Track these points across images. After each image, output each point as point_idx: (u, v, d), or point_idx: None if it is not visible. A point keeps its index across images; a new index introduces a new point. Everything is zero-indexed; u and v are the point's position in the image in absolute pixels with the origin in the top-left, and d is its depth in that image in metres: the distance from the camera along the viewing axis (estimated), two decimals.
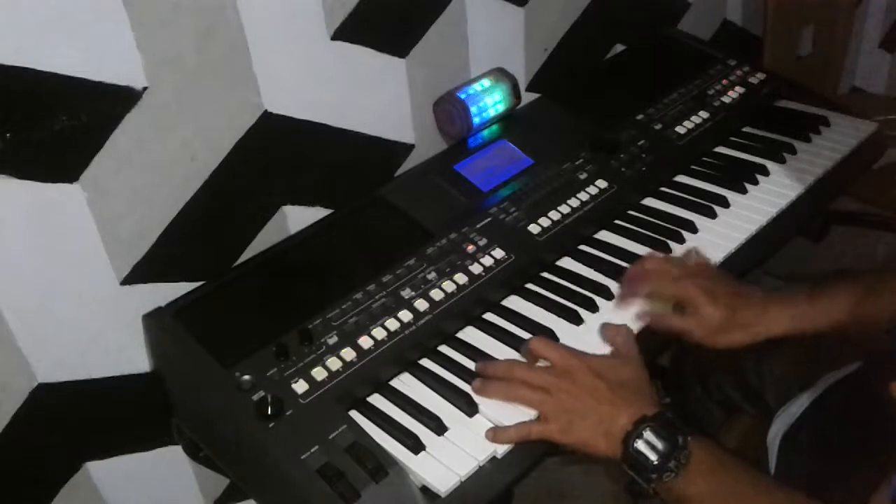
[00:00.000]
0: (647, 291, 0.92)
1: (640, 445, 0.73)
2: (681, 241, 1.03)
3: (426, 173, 1.11)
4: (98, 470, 0.97)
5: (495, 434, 0.79)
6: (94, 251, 0.86)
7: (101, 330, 0.90)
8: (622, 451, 0.74)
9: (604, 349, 0.87)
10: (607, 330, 0.87)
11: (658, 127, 1.21)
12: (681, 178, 1.16)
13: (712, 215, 1.07)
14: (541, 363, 0.83)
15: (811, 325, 0.88)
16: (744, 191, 1.11)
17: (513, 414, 0.80)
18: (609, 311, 0.94)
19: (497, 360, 0.87)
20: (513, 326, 0.92)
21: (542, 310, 0.94)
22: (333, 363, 0.84)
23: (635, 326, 0.91)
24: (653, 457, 0.73)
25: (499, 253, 0.98)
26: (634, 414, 0.75)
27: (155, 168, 0.88)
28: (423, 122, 1.16)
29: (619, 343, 0.85)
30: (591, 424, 0.76)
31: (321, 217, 1.07)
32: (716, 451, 0.75)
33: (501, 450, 0.78)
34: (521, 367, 0.82)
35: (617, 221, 1.08)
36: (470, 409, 0.82)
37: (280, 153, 1.00)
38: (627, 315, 0.92)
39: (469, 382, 0.85)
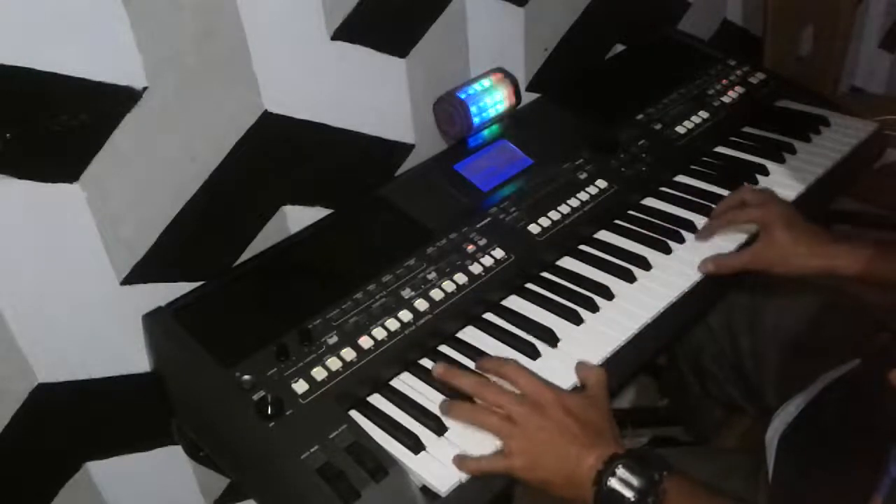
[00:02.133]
0: (744, 219, 0.99)
1: (613, 483, 0.71)
2: (681, 241, 1.03)
3: (426, 173, 1.11)
4: (98, 470, 0.97)
5: (461, 462, 0.76)
6: (94, 251, 0.86)
7: (101, 330, 0.90)
8: (594, 491, 0.72)
9: (598, 354, 0.86)
10: (581, 369, 0.84)
11: (658, 127, 1.21)
12: (681, 178, 1.16)
13: None
14: (509, 386, 0.80)
15: (873, 272, 0.90)
16: None
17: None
18: (680, 253, 1.01)
19: (465, 368, 0.84)
20: (513, 326, 0.92)
21: (542, 310, 0.94)
22: (333, 363, 0.84)
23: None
24: (629, 494, 0.70)
25: (499, 253, 0.98)
26: (603, 454, 0.73)
27: (155, 168, 0.88)
28: (423, 122, 1.16)
29: (591, 383, 0.82)
30: (555, 463, 0.74)
31: (321, 217, 1.07)
32: (690, 485, 0.74)
33: (465, 477, 0.77)
34: (492, 388, 0.79)
35: (617, 221, 1.08)
36: None
37: (280, 153, 1.00)
38: (701, 254, 0.99)
39: None
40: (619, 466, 0.72)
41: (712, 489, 0.77)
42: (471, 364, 0.87)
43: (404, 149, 1.16)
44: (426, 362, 0.89)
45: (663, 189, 1.14)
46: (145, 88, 0.84)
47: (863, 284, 0.92)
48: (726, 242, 1.01)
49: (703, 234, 1.02)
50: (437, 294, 0.92)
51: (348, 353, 0.85)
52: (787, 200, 1.03)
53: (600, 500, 0.72)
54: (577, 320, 0.92)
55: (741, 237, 1.01)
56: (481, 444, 0.78)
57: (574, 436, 0.75)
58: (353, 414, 0.82)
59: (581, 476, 0.73)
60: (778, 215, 0.96)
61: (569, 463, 0.74)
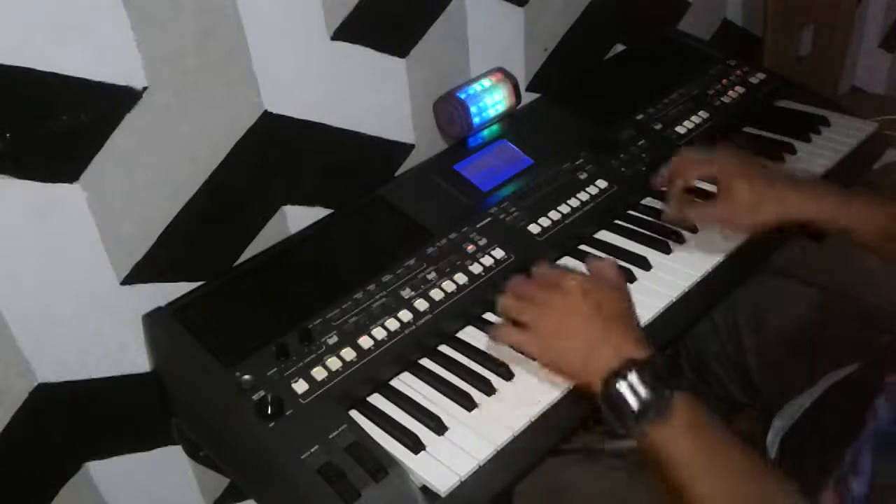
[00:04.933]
0: (697, 174, 0.95)
1: (621, 387, 0.68)
2: (681, 240, 1.03)
3: (426, 173, 1.11)
4: (98, 470, 0.97)
5: (493, 330, 0.78)
6: (94, 251, 0.86)
7: (101, 330, 0.90)
8: (602, 388, 0.70)
9: None
10: (594, 262, 0.81)
11: (658, 127, 1.21)
12: None
13: None
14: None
15: (838, 220, 0.87)
16: None
17: (516, 415, 0.80)
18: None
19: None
20: None
21: None
22: (333, 363, 0.84)
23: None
24: (633, 402, 0.68)
25: (499, 253, 0.98)
26: (622, 352, 0.70)
27: (155, 168, 0.88)
28: (423, 122, 1.16)
29: (609, 275, 0.79)
30: (573, 348, 0.72)
31: (321, 217, 1.07)
32: (701, 411, 0.70)
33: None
34: (527, 282, 0.79)
35: (617, 221, 1.08)
36: (470, 409, 0.82)
37: (280, 153, 1.00)
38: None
39: (469, 382, 0.85)
40: (633, 371, 0.69)
41: (723, 425, 0.72)
42: (471, 364, 0.88)
43: (404, 149, 1.16)
44: (426, 362, 0.89)
45: (663, 189, 1.13)
46: (145, 88, 0.84)
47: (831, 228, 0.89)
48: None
49: (671, 209, 0.98)
50: (437, 294, 0.92)
51: (348, 353, 0.85)
52: (735, 149, 0.98)
53: (605, 397, 0.70)
54: None
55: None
56: (482, 442, 0.79)
57: (596, 324, 0.73)
58: (353, 414, 0.82)
59: (594, 366, 0.71)
60: (733, 168, 0.91)
61: (587, 350, 0.72)
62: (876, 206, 0.87)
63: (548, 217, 1.04)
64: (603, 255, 1.01)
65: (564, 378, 0.74)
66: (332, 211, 1.08)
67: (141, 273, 0.91)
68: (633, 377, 0.69)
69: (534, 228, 1.02)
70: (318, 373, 0.83)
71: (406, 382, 0.87)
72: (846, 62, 1.75)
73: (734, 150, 0.96)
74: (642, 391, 0.68)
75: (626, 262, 0.99)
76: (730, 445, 0.69)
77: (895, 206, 0.86)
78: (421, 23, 1.10)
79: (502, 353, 0.88)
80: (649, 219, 1.07)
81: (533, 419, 0.80)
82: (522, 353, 0.75)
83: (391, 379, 0.87)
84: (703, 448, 0.68)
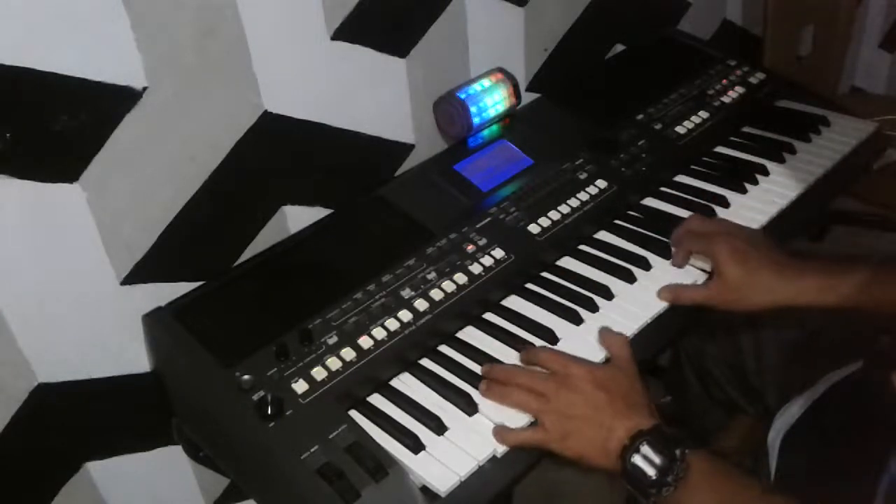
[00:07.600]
0: (695, 248, 0.95)
1: (637, 460, 0.73)
2: None
3: (426, 173, 1.11)
4: (98, 470, 0.97)
5: (502, 435, 0.78)
6: (94, 251, 0.86)
7: (101, 330, 0.90)
8: (621, 466, 0.74)
9: (601, 351, 0.87)
10: (604, 337, 0.86)
11: (658, 127, 1.21)
12: (681, 178, 1.16)
13: (713, 215, 1.07)
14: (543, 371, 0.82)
15: (834, 300, 0.88)
16: (744, 191, 1.11)
17: (511, 415, 0.81)
18: (638, 288, 0.97)
19: (503, 363, 0.86)
20: (513, 326, 0.92)
21: (542, 310, 0.94)
22: (333, 363, 0.84)
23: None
24: (650, 472, 0.72)
25: (499, 253, 0.98)
26: (632, 428, 0.74)
27: (155, 168, 0.88)
28: (423, 122, 1.16)
29: (616, 351, 0.84)
30: (588, 436, 0.76)
31: (321, 217, 1.07)
32: (713, 462, 0.74)
33: (501, 449, 0.78)
34: (522, 372, 0.82)
35: (617, 221, 1.08)
36: (470, 409, 0.82)
37: (280, 153, 1.00)
38: (662, 283, 0.95)
39: (469, 382, 0.85)
40: (644, 443, 0.73)
41: (734, 466, 0.78)
42: (471, 364, 0.88)
43: (404, 149, 1.16)
44: (426, 362, 0.89)
45: (663, 189, 1.14)
46: (145, 88, 0.84)
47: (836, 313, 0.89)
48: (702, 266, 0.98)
49: (675, 262, 0.99)
50: (437, 294, 0.92)
51: (348, 353, 0.85)
52: (739, 228, 0.97)
53: (626, 474, 0.74)
54: (576, 320, 0.92)
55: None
56: (482, 442, 0.79)
57: (604, 408, 0.76)
58: (353, 414, 0.82)
59: (611, 448, 0.75)
60: (728, 251, 0.90)
61: (601, 434, 0.75)
62: (855, 281, 0.87)
63: (548, 217, 1.04)
64: (604, 255, 1.02)
65: (587, 464, 0.76)
66: (332, 211, 1.08)
67: (141, 273, 0.91)
68: (645, 448, 0.73)
69: (534, 228, 1.02)
70: (318, 373, 0.83)
71: (406, 382, 0.87)
72: (846, 62, 1.74)
73: (732, 232, 0.94)
74: (656, 459, 0.72)
75: (626, 262, 1.00)
76: (745, 488, 0.74)
77: (865, 278, 0.87)
78: (421, 23, 1.10)
79: (503, 354, 0.89)
80: (650, 219, 1.07)
81: (532, 419, 0.80)
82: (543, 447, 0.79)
83: (391, 379, 0.87)
84: (719, 498, 0.73)
